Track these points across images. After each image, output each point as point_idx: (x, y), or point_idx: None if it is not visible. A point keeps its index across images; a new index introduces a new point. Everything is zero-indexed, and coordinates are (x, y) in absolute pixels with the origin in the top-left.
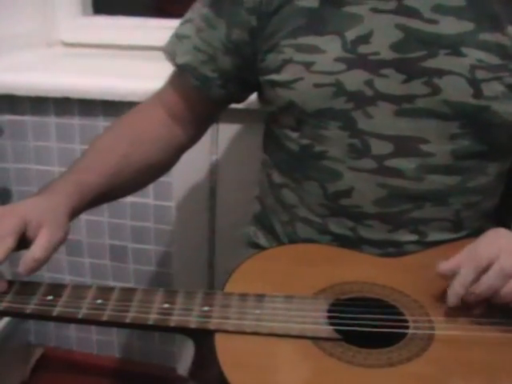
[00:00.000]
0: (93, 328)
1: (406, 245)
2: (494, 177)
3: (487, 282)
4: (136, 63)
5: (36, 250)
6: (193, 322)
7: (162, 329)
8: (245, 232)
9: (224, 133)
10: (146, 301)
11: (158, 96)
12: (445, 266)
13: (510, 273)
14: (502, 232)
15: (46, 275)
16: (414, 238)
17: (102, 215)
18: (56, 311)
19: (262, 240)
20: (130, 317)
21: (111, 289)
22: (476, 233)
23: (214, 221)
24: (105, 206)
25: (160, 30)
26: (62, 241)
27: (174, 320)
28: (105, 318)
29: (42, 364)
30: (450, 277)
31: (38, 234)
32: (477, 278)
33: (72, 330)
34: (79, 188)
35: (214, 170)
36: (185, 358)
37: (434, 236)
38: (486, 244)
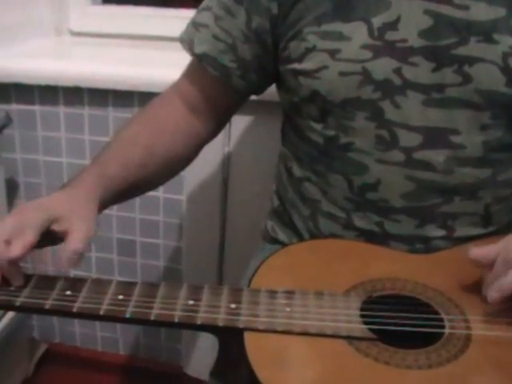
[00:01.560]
0: (97, 324)
1: (434, 240)
2: None
3: None
4: (145, 53)
5: (75, 243)
6: (221, 319)
7: (187, 326)
8: (262, 227)
9: (237, 125)
10: (170, 297)
11: (176, 87)
12: (477, 250)
13: None
14: None
15: (51, 269)
16: (442, 233)
17: (110, 208)
18: (76, 307)
19: (280, 235)
20: (154, 314)
21: (133, 284)
22: (505, 228)
23: (225, 215)
24: None
25: (169, 19)
26: (94, 234)
27: (201, 317)
28: (128, 315)
29: (46, 360)
30: (482, 266)
31: (72, 228)
32: None
33: (76, 326)
34: (103, 181)
35: (226, 163)
36: (191, 355)
37: (462, 231)
38: None
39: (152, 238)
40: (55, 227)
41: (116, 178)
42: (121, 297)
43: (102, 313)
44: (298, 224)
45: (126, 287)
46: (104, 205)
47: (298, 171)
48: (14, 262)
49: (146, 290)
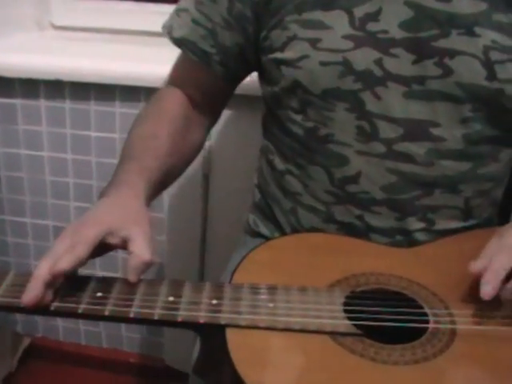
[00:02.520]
0: None
1: (415, 233)
2: (504, 163)
3: None
4: (127, 47)
5: (142, 253)
6: (202, 316)
7: (168, 324)
8: (244, 221)
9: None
10: (150, 294)
11: (170, 80)
12: (477, 264)
13: None
14: None
15: (33, 263)
16: (422, 225)
17: (89, 201)
18: (54, 306)
19: (262, 229)
20: (134, 312)
21: (112, 280)
22: (485, 222)
23: (207, 209)
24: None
25: (151, 14)
26: (153, 234)
27: (182, 315)
28: (106, 313)
29: (30, 354)
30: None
31: (131, 237)
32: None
33: (59, 320)
34: (144, 174)
35: (207, 158)
36: (173, 348)
37: (442, 224)
38: None
39: None
40: (110, 240)
41: (153, 170)
42: (99, 294)
43: (80, 311)
44: (280, 217)
45: (106, 284)
46: (149, 198)
47: (279, 164)
48: (59, 276)
49: (125, 286)
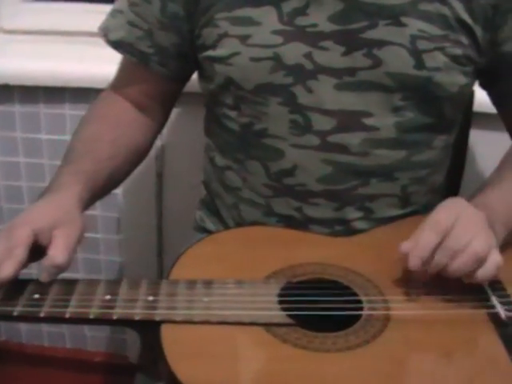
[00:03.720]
0: None
1: (354, 222)
2: (439, 150)
3: (446, 248)
4: (77, 48)
5: (55, 255)
6: (137, 313)
7: (104, 322)
8: (191, 217)
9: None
10: (87, 293)
11: (114, 85)
12: (407, 244)
13: (465, 243)
14: (459, 202)
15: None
16: (360, 214)
17: None
18: None
19: (208, 224)
20: (69, 312)
21: (50, 282)
22: (423, 208)
23: (161, 207)
24: None
25: (101, 14)
26: (80, 237)
27: (117, 313)
28: (42, 315)
29: None
30: None
31: (53, 239)
32: (439, 243)
33: (21, 323)
34: (81, 178)
35: (160, 156)
36: (136, 345)
37: (381, 212)
38: (445, 211)
39: (90, 232)
40: (42, 241)
41: (91, 173)
42: (36, 296)
43: (15, 314)
44: (223, 213)
45: (44, 286)
46: (85, 202)
47: (219, 160)
48: (4, 284)
49: (63, 287)
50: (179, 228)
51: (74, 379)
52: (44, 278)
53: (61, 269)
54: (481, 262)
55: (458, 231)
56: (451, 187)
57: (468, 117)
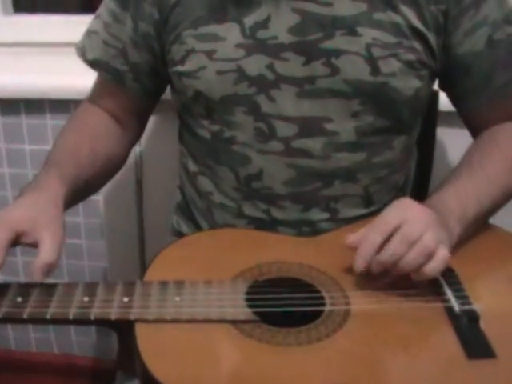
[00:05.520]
0: (30, 326)
1: (320, 223)
2: (399, 151)
3: (390, 248)
4: (59, 60)
5: (46, 255)
6: (113, 313)
7: (83, 322)
8: (169, 221)
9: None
10: (67, 295)
11: (91, 96)
12: (352, 236)
13: (412, 239)
14: (407, 202)
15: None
16: (326, 215)
17: None
18: None
19: (184, 228)
20: (50, 313)
21: (32, 285)
22: (387, 207)
23: (142, 212)
24: None
25: (82, 25)
26: (64, 238)
27: (94, 313)
28: (25, 316)
29: None
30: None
31: (41, 239)
32: (383, 243)
33: (9, 330)
34: (64, 180)
35: (139, 162)
36: None
37: (345, 212)
38: (392, 211)
39: (75, 238)
40: (23, 240)
41: (73, 177)
42: (19, 299)
43: (0, 316)
44: (197, 216)
45: (26, 289)
46: (67, 204)
47: (192, 166)
48: None
49: (44, 290)
50: (160, 232)
51: (61, 383)
52: (37, 278)
53: (52, 267)
54: (429, 256)
55: (406, 229)
56: (420, 184)
57: (434, 115)
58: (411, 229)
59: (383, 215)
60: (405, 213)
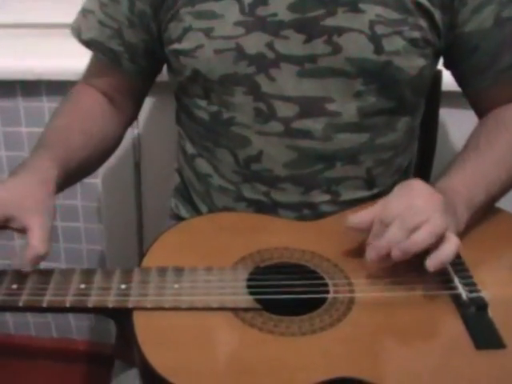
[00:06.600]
0: None
1: (321, 205)
2: (403, 132)
3: (389, 235)
4: (55, 41)
5: (37, 247)
6: (111, 301)
7: (80, 310)
8: (168, 205)
9: (144, 106)
10: (63, 282)
11: (86, 79)
12: (354, 218)
13: (411, 227)
14: (414, 184)
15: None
16: (327, 198)
17: None
18: None
19: (182, 212)
20: (46, 301)
21: (28, 272)
22: (389, 190)
23: (140, 196)
24: None
25: (75, 6)
26: (52, 224)
27: (92, 300)
28: (21, 304)
29: None
30: (361, 230)
31: (29, 228)
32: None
33: (8, 314)
34: (56, 162)
35: (137, 145)
36: None
37: (347, 195)
38: (399, 198)
39: (72, 221)
40: (12, 225)
41: (65, 161)
42: (15, 286)
43: None
44: (196, 200)
45: (22, 276)
46: (59, 186)
47: (190, 149)
48: None
49: (40, 277)
50: (159, 216)
51: (60, 367)
52: (27, 268)
53: (42, 258)
54: (440, 237)
55: (414, 211)
56: (423, 166)
57: (437, 96)
58: (420, 211)
59: (388, 201)
60: (412, 199)
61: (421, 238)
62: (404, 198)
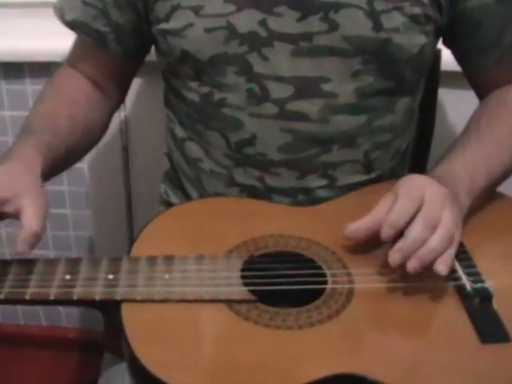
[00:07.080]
0: None
1: (317, 191)
2: (402, 114)
3: (414, 234)
4: (38, 21)
5: (32, 224)
6: (97, 293)
7: (65, 303)
8: (157, 190)
9: (131, 87)
10: (47, 273)
11: (70, 59)
12: (352, 226)
13: (434, 222)
14: (419, 180)
15: None
16: (323, 182)
17: None
18: None
19: (172, 198)
20: (29, 293)
21: (7, 262)
22: (388, 173)
23: (128, 180)
24: None
25: None
26: (47, 204)
27: (78, 292)
28: (2, 297)
29: None
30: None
31: (23, 207)
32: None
33: None
34: (41, 149)
35: (124, 128)
36: None
37: (344, 179)
38: (411, 183)
39: (59, 208)
40: (5, 209)
41: (51, 146)
42: None
43: None
44: (186, 185)
45: (2, 266)
46: (46, 175)
47: (180, 132)
48: None
49: (22, 268)
50: (148, 201)
51: (50, 356)
52: (21, 249)
53: (38, 237)
54: (451, 240)
55: (428, 206)
56: (421, 148)
57: (435, 76)
58: (434, 206)
59: (404, 186)
60: (423, 188)
61: (438, 245)
62: (412, 196)
